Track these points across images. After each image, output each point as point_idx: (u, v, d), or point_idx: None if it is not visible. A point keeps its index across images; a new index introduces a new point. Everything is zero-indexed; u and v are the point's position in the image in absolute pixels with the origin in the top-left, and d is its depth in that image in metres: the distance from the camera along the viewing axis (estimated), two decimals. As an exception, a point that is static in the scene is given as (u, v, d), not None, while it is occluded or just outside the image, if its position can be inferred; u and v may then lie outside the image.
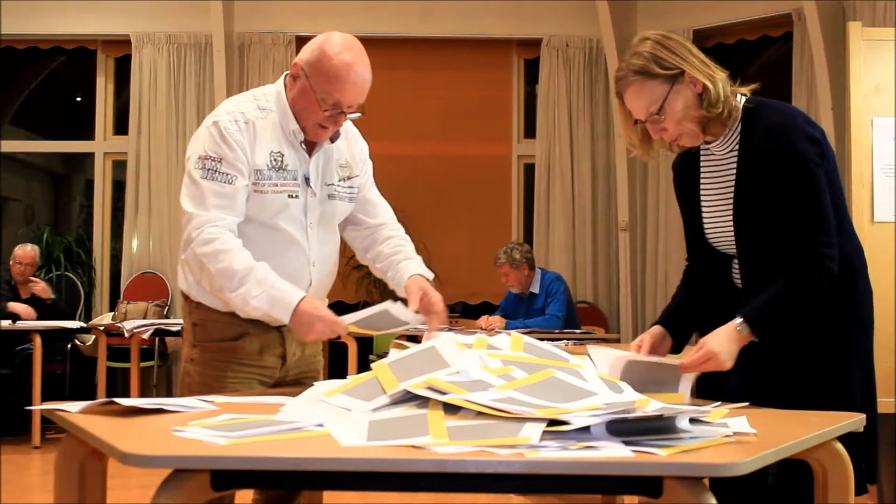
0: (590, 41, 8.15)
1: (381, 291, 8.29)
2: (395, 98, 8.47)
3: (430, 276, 2.68)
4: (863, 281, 2.46)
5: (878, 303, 2.51)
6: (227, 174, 2.46)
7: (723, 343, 2.26)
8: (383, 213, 2.83)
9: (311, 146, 2.59)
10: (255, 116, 2.53)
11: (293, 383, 2.63)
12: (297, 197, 2.55)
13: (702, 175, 2.52)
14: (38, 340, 6.35)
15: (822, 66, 6.82)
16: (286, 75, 2.62)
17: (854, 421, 1.98)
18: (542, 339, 2.19)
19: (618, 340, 7.30)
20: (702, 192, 2.52)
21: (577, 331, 6.03)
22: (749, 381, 2.44)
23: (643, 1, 8.08)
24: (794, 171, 2.32)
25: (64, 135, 9.34)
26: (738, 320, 2.28)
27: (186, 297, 2.64)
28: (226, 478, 1.50)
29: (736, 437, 1.66)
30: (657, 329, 2.54)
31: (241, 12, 8.21)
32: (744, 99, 2.43)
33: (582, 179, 8.15)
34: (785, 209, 2.34)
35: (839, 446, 1.88)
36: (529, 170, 8.42)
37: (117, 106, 8.64)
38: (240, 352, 2.56)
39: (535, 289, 6.43)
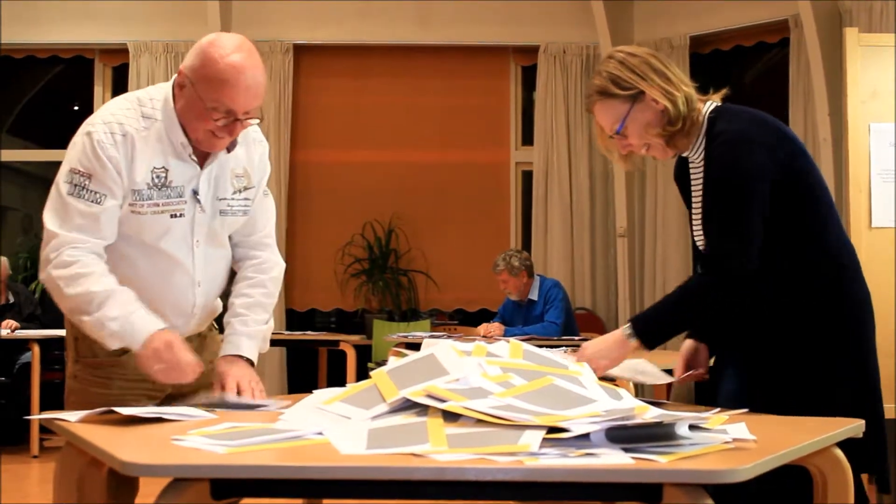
0: (587, 48, 8.16)
1: (381, 300, 8.30)
2: (393, 105, 8.49)
3: (251, 355, 2.44)
4: (852, 282, 2.42)
5: (877, 308, 2.50)
6: (96, 193, 2.26)
7: (600, 347, 2.37)
8: (259, 227, 2.58)
9: (202, 157, 2.37)
10: (135, 128, 2.29)
11: (191, 394, 2.45)
12: (181, 216, 2.35)
13: (691, 181, 2.55)
14: (36, 349, 6.34)
15: (819, 72, 6.83)
16: (173, 80, 2.34)
17: (853, 427, 1.97)
18: (540, 346, 2.19)
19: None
20: (692, 198, 2.55)
21: (576, 338, 6.01)
22: (743, 386, 2.45)
23: (640, 4, 8.09)
24: (721, 178, 2.34)
25: (61, 144, 9.27)
26: (627, 325, 2.35)
27: None
28: (225, 486, 1.49)
29: (735, 443, 1.66)
30: (688, 344, 2.58)
31: (238, 20, 8.21)
32: (712, 106, 2.44)
33: (580, 186, 8.15)
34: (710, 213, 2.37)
35: (838, 452, 1.88)
36: (527, 177, 8.42)
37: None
38: (125, 367, 2.38)
39: (534, 296, 6.42)
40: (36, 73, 9.27)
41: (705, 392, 2.43)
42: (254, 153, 2.50)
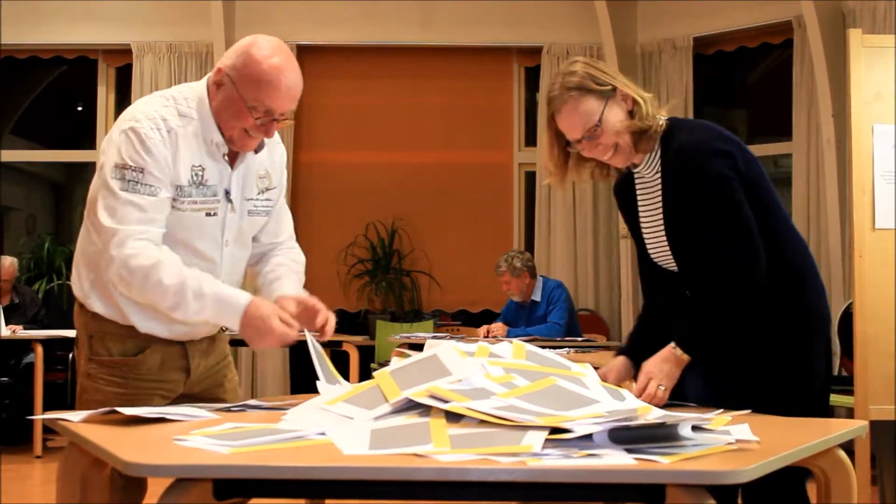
0: (590, 49, 8.15)
1: (384, 300, 8.30)
2: (396, 106, 8.49)
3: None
4: (809, 278, 2.50)
5: (880, 310, 2.52)
6: (150, 186, 2.26)
7: (659, 365, 2.37)
8: (284, 228, 2.66)
9: (232, 157, 2.41)
10: (177, 125, 2.33)
11: (201, 394, 2.50)
12: (215, 214, 2.39)
13: (637, 197, 2.57)
14: (39, 350, 6.36)
15: (823, 73, 6.83)
16: (208, 79, 2.41)
17: (857, 428, 1.98)
18: (543, 347, 2.19)
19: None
20: (639, 214, 2.58)
21: (579, 339, 6.02)
22: (710, 388, 2.48)
23: (644, 5, 8.08)
24: (706, 188, 2.38)
25: (65, 144, 9.34)
26: (673, 343, 2.38)
27: (81, 305, 2.45)
28: (228, 486, 1.50)
29: (738, 444, 1.66)
30: (620, 361, 2.58)
31: (241, 21, 8.22)
32: (663, 120, 2.48)
33: (583, 187, 8.13)
34: (705, 225, 2.39)
35: (841, 453, 1.88)
36: (530, 178, 8.43)
37: (118, 115, 8.64)
38: (140, 367, 2.40)
39: (537, 297, 6.42)
40: (39, 73, 9.29)
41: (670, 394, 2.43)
42: (274, 155, 2.56)
